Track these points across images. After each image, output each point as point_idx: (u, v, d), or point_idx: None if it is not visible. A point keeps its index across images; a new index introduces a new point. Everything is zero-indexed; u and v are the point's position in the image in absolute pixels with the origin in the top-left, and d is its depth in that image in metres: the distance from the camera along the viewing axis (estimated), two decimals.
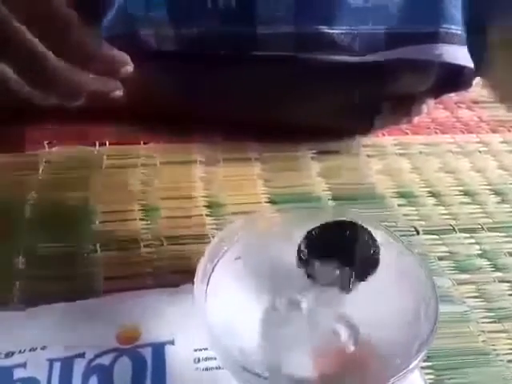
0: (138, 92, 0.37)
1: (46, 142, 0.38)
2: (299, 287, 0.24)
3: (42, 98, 0.29)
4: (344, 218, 0.25)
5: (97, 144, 0.38)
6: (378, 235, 0.26)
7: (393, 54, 0.33)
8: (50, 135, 0.38)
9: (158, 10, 0.35)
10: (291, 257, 0.24)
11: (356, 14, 0.33)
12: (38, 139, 0.38)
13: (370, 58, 0.34)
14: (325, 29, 0.33)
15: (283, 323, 0.23)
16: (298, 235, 0.25)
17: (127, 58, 0.29)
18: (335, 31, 0.33)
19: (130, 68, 0.30)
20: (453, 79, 0.35)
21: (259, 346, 0.22)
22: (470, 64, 0.34)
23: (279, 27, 0.34)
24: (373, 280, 0.24)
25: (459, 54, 0.33)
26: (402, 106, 0.37)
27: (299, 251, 0.24)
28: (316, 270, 0.24)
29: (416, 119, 0.39)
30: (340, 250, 0.24)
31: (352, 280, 0.23)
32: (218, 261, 0.25)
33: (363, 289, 0.24)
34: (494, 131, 0.43)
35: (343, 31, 0.33)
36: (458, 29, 0.33)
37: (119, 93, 0.31)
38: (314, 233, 0.24)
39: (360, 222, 0.26)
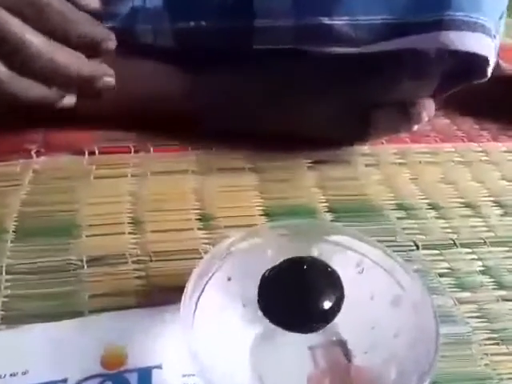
0: (130, 91, 0.36)
1: (33, 151, 0.37)
2: None
3: (32, 91, 0.29)
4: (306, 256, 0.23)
5: (86, 153, 0.37)
6: (374, 253, 0.25)
7: (395, 43, 0.32)
8: (37, 143, 0.37)
9: (155, 2, 0.34)
10: None
11: (356, 4, 0.32)
12: (25, 148, 0.37)
13: (372, 48, 0.32)
14: (325, 20, 0.32)
15: (274, 351, 0.22)
16: (292, 255, 0.24)
17: (111, 34, 0.30)
18: (335, 22, 0.32)
19: (112, 44, 0.29)
20: (465, 70, 0.33)
21: (250, 376, 0.21)
22: (483, 51, 0.31)
23: (277, 19, 0.33)
24: (369, 303, 0.23)
25: (470, 41, 0.31)
26: (401, 114, 0.36)
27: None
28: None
29: (416, 128, 0.38)
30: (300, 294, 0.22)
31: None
32: (207, 281, 0.23)
33: (358, 313, 0.22)
34: (495, 139, 0.42)
35: (343, 22, 0.32)
36: (466, 15, 0.31)
37: (110, 79, 0.31)
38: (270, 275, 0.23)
39: (356, 239, 0.25)
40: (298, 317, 0.22)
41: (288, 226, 0.26)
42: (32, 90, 0.29)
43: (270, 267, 0.22)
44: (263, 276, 0.22)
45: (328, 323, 0.22)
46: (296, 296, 0.22)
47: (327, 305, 0.22)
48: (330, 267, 0.23)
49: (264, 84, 0.36)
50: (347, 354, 0.23)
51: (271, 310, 0.22)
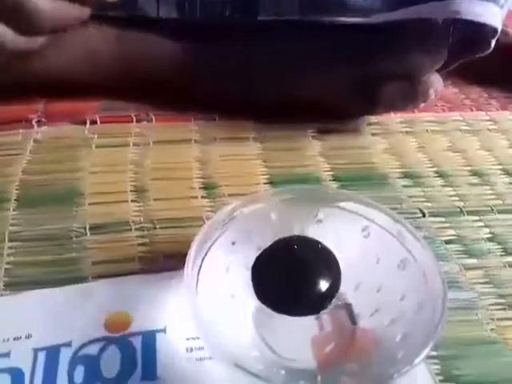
0: (133, 62, 0.36)
1: (34, 121, 0.36)
2: None
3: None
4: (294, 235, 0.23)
5: (87, 122, 0.37)
6: (380, 218, 0.24)
7: (403, 13, 0.31)
8: (38, 113, 0.37)
9: None
10: None
11: None
12: (26, 117, 0.37)
13: (379, 17, 0.32)
14: None
15: (279, 314, 0.22)
16: (298, 219, 0.23)
17: None
18: None
19: None
20: (469, 42, 0.32)
21: (253, 337, 0.21)
22: (493, 21, 0.31)
23: None
24: (375, 267, 0.23)
25: (480, 11, 0.30)
26: (408, 90, 0.35)
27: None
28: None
29: (422, 105, 0.37)
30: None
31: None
32: (211, 245, 0.23)
33: (363, 276, 0.22)
34: (503, 108, 0.41)
35: None
36: None
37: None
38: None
39: (362, 205, 0.25)
40: (295, 302, 0.21)
41: (291, 190, 0.25)
42: None
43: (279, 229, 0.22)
44: (255, 262, 0.22)
45: (325, 308, 0.21)
46: (291, 280, 0.22)
47: (324, 287, 0.21)
48: (321, 244, 0.22)
49: (268, 57, 0.35)
50: (352, 317, 0.23)
51: (266, 297, 0.21)
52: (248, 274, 0.22)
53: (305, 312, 0.22)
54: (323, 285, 0.22)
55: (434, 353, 0.24)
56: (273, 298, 0.21)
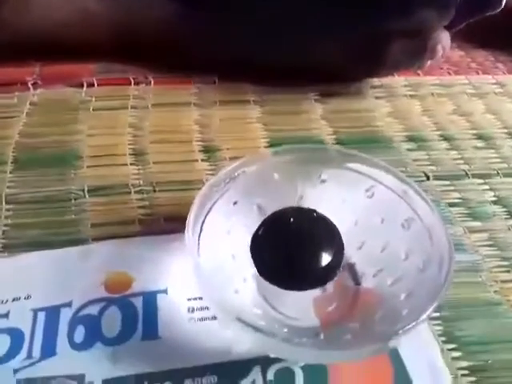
0: (129, 23, 0.35)
1: (30, 83, 0.35)
2: None
3: None
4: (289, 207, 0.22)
5: (84, 85, 0.36)
6: (386, 178, 0.24)
7: None
8: (34, 75, 0.36)
9: None
10: (292, 201, 0.22)
11: None
12: (22, 79, 0.36)
13: None
14: None
15: None
16: (302, 179, 0.23)
17: None
18: None
19: None
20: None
21: (255, 297, 0.21)
22: None
23: None
24: (379, 227, 0.22)
25: None
26: (415, 46, 0.34)
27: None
28: None
29: (429, 63, 0.36)
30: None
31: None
32: (212, 206, 0.23)
33: (367, 236, 0.22)
34: (511, 72, 0.40)
35: None
36: None
37: None
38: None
39: (367, 165, 0.24)
40: (299, 278, 0.21)
41: (295, 150, 0.24)
42: None
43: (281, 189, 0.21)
44: (254, 235, 0.21)
45: (331, 280, 0.21)
46: (290, 254, 0.21)
47: (327, 260, 0.21)
48: (316, 212, 0.21)
49: (268, 16, 0.34)
50: (356, 278, 0.22)
51: (267, 270, 0.21)
52: (249, 235, 0.22)
53: (311, 286, 0.21)
54: (326, 258, 0.21)
55: (437, 314, 0.23)
56: (276, 276, 0.21)
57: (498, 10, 0.31)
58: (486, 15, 0.33)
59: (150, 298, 0.23)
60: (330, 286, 0.22)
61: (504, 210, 0.29)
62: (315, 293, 0.22)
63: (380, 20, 0.33)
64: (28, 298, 0.23)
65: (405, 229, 0.22)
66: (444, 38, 0.34)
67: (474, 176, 0.31)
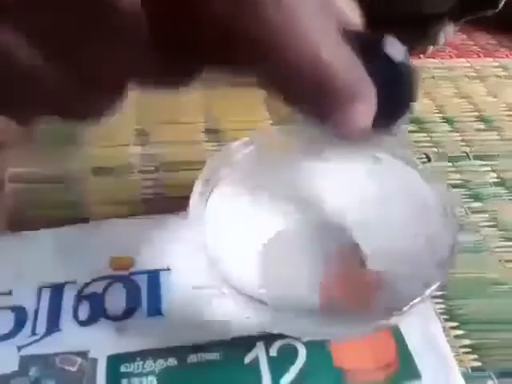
0: None
1: None
2: (306, 208, 0.22)
3: None
4: None
5: None
6: (391, 159, 0.24)
7: None
8: None
9: None
10: (300, 179, 0.22)
11: None
12: None
13: None
14: None
15: (286, 255, 0.22)
16: (306, 157, 0.23)
17: None
18: None
19: None
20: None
21: (260, 272, 0.21)
22: None
23: None
24: (385, 205, 0.22)
25: None
26: (417, 32, 0.34)
27: None
28: None
29: (431, 49, 0.36)
30: None
31: None
32: (216, 183, 0.23)
33: (374, 213, 0.22)
34: None
35: None
36: None
37: None
38: None
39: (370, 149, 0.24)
40: None
41: (297, 130, 0.24)
42: None
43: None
44: None
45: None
46: None
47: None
48: None
49: None
50: (361, 258, 0.22)
51: None
52: (254, 212, 0.22)
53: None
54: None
55: (440, 293, 0.24)
56: None
57: (497, 11, 0.31)
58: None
59: (154, 276, 0.23)
60: (334, 267, 0.22)
61: (506, 191, 0.29)
62: (320, 274, 0.22)
63: (385, 5, 0.32)
64: (32, 276, 0.23)
65: (411, 207, 0.22)
66: (446, 26, 0.33)
67: (476, 157, 0.31)
